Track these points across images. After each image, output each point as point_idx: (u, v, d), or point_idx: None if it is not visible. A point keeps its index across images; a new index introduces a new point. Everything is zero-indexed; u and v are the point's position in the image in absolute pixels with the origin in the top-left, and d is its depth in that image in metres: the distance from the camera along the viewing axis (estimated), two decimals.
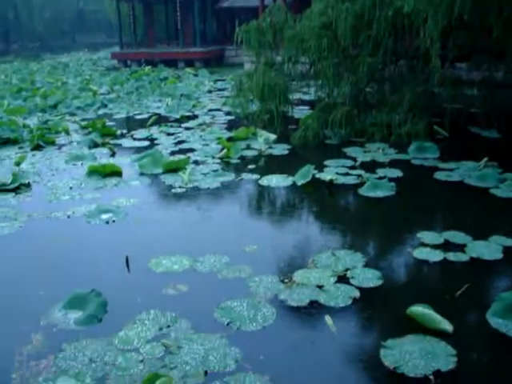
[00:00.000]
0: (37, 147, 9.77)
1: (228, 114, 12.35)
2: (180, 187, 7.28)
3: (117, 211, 6.40)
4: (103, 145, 9.78)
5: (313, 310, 4.27)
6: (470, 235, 5.47)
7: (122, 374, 3.59)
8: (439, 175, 7.44)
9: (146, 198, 7.03)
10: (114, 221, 6.17)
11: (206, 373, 3.58)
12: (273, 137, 9.64)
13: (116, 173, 7.86)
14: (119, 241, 5.72)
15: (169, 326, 4.08)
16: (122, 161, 8.60)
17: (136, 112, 13.29)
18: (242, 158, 8.73)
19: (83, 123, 11.54)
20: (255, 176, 7.66)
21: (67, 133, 10.72)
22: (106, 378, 3.56)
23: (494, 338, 3.93)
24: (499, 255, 5.08)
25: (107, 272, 5.00)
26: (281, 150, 9.13)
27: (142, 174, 7.92)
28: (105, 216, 6.28)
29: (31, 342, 3.92)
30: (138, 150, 9.33)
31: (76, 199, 6.91)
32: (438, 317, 3.99)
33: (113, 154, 9.21)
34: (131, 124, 12.08)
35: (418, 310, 4.04)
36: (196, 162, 8.40)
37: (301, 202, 7.01)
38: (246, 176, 7.69)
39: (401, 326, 4.01)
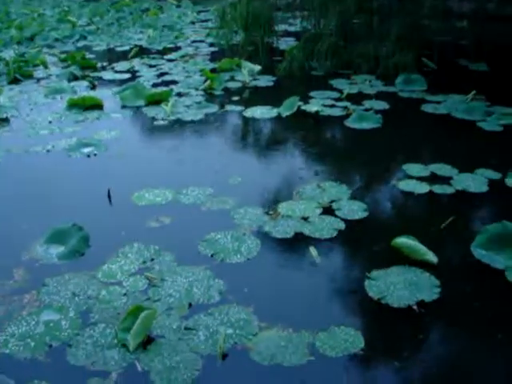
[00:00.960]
0: (14, 81, 9.42)
1: (211, 45, 12.01)
2: (163, 119, 7.12)
3: (98, 144, 6.25)
4: (83, 78, 9.46)
5: (297, 242, 4.24)
6: (456, 168, 5.43)
7: (106, 307, 3.55)
8: (426, 108, 7.33)
9: (128, 131, 6.87)
10: (95, 154, 6.03)
11: (190, 305, 3.56)
12: (257, 68, 9.41)
13: (97, 106, 7.64)
14: (101, 174, 5.59)
15: (152, 259, 4.03)
16: (103, 94, 8.35)
17: (117, 44, 12.87)
18: (226, 89, 8.51)
19: (62, 56, 11.13)
20: (239, 108, 7.50)
21: (45, 66, 10.34)
22: (89, 311, 3.52)
23: (477, 270, 3.93)
24: (485, 188, 5.06)
25: (89, 206, 4.90)
26: (265, 81, 8.92)
27: (123, 107, 7.72)
28: (86, 150, 6.13)
29: (13, 277, 3.85)
30: (120, 82, 9.04)
31: (56, 133, 6.72)
32: (422, 248, 3.98)
33: (93, 87, 8.93)
34: (112, 56, 11.69)
35: (403, 241, 4.01)
36: (179, 94, 8.18)
37: (286, 133, 6.88)
38: (229, 108, 7.53)
39: (386, 258, 3.99)
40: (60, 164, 5.85)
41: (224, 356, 3.13)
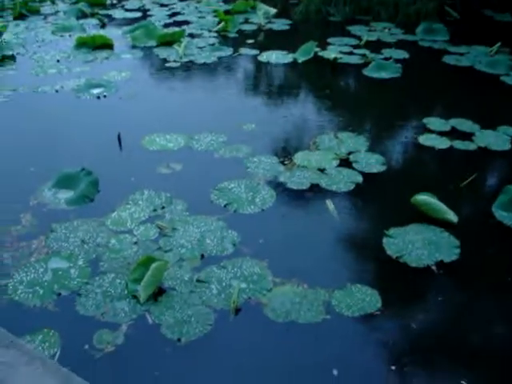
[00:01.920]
0: (20, 16, 9.12)
1: None
2: (175, 61, 6.88)
3: (108, 86, 6.06)
4: (92, 15, 9.16)
5: (313, 194, 4.11)
6: (478, 124, 5.25)
7: (116, 256, 3.45)
8: (448, 59, 7.06)
9: (139, 73, 6.65)
10: (105, 96, 5.85)
11: (202, 256, 3.46)
12: (273, 11, 9.09)
13: (106, 45, 7.39)
14: (111, 117, 5.43)
15: (163, 207, 3.91)
16: (113, 33, 8.07)
17: None
18: (241, 32, 8.22)
19: None
20: (254, 51, 7.25)
21: (52, 1, 10.01)
22: (98, 260, 3.42)
23: (498, 231, 3.81)
24: (507, 146, 4.89)
25: (98, 150, 4.75)
26: (281, 25, 8.60)
27: (134, 47, 7.48)
28: (95, 91, 5.95)
29: (21, 223, 3.74)
30: (130, 21, 8.75)
31: (64, 73, 6.51)
32: (443, 207, 3.85)
33: (103, 26, 8.64)
34: None
35: (423, 198, 3.87)
36: (191, 36, 7.91)
37: (302, 80, 6.66)
38: (244, 51, 7.27)
39: (404, 215, 3.87)
40: (69, 105, 5.67)
41: (237, 311, 3.05)
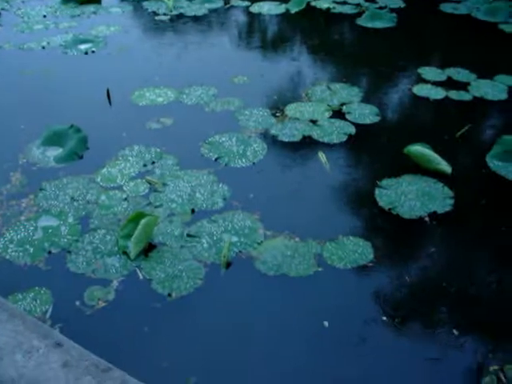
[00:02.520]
0: None
1: None
2: (164, 14, 6.71)
3: (96, 41, 5.92)
4: None
5: (305, 146, 4.06)
6: (474, 73, 5.16)
7: (106, 212, 3.41)
8: (445, 7, 6.91)
9: (128, 27, 6.48)
10: (93, 51, 5.72)
11: (192, 211, 3.42)
12: None
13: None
14: (99, 73, 5.31)
15: (153, 163, 3.86)
16: None
17: None
18: None
19: None
20: (246, 3, 7.08)
21: None
22: (88, 216, 3.38)
23: (492, 182, 3.77)
24: (504, 96, 4.83)
25: (87, 106, 4.65)
26: None
27: (122, 1, 7.28)
28: (83, 46, 5.81)
29: (10, 181, 3.69)
30: None
31: (51, 28, 6.35)
32: (436, 157, 3.79)
33: None
34: None
35: (416, 149, 3.81)
36: None
37: (294, 31, 6.51)
38: (235, 3, 7.10)
39: (397, 166, 3.82)
40: (56, 61, 5.54)
41: (228, 265, 3.03)
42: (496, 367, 2.53)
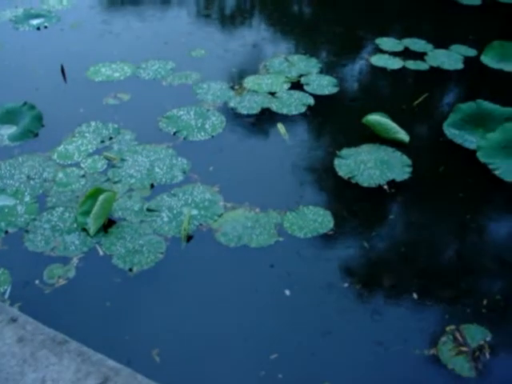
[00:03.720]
0: None
1: None
2: None
3: (48, 16, 5.73)
4: None
5: (264, 118, 4.05)
6: (431, 43, 5.20)
7: (63, 190, 3.35)
8: None
9: (82, 1, 6.30)
10: (45, 27, 5.55)
11: (152, 186, 3.39)
12: None
13: None
14: (53, 49, 5.15)
15: (111, 138, 3.80)
16: None
17: None
18: None
19: None
20: None
21: None
22: (46, 195, 3.32)
23: (449, 150, 3.83)
24: (460, 65, 4.87)
25: (41, 83, 4.52)
26: None
27: None
28: (35, 21, 5.63)
29: None
30: None
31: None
32: (394, 126, 3.83)
33: None
34: None
35: (375, 118, 3.84)
36: None
37: (253, 4, 6.44)
38: None
39: (356, 136, 3.85)
40: (6, 38, 5.34)
41: (189, 238, 3.02)
42: (453, 327, 2.60)
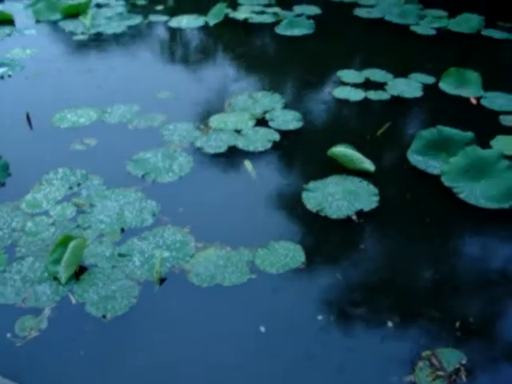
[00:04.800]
0: None
1: None
2: (82, 34, 6.61)
3: (12, 64, 5.75)
4: None
5: (231, 156, 4.09)
6: (390, 73, 5.36)
7: (33, 239, 3.32)
8: (359, 12, 7.13)
9: (45, 48, 6.34)
10: (9, 75, 5.55)
11: (122, 230, 3.38)
12: None
13: (7, 21, 6.98)
14: (17, 97, 5.15)
15: (79, 184, 3.79)
16: (13, 7, 7.63)
17: None
18: None
19: None
20: (164, 18, 7.06)
21: None
22: (15, 245, 3.27)
23: (414, 176, 3.92)
24: (419, 93, 5.03)
25: (7, 132, 4.50)
26: None
27: (38, 22, 7.11)
28: None
29: None
30: None
31: None
32: (359, 156, 3.90)
33: (1, 0, 8.19)
34: None
35: (340, 150, 3.91)
36: (98, 5, 7.59)
37: (215, 43, 6.56)
38: (154, 18, 7.07)
39: (323, 168, 3.91)
40: None
41: (162, 281, 3.01)
42: (428, 352, 2.63)
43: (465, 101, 4.92)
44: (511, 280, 3.08)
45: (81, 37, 6.54)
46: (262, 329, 2.74)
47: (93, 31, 6.65)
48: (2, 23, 6.91)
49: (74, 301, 2.92)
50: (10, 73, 5.60)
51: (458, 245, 3.38)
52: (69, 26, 6.88)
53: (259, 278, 3.02)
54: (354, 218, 3.47)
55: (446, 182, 3.78)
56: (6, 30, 6.77)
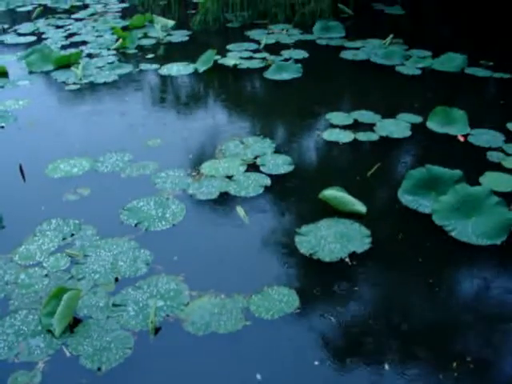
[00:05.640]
0: None
1: (122, 1, 11.44)
2: (74, 84, 6.71)
3: (5, 116, 5.82)
4: None
5: (224, 202, 4.12)
6: (378, 114, 5.44)
7: (26, 291, 3.31)
8: (345, 54, 7.28)
9: (38, 99, 6.42)
10: (2, 127, 5.62)
11: (116, 280, 3.38)
12: (171, 23, 9.04)
13: (0, 73, 7.11)
14: (10, 148, 5.20)
15: (73, 235, 3.80)
16: (7, 59, 7.76)
17: (18, 4, 12.00)
18: (140, 47, 8.12)
19: None
20: (155, 66, 7.19)
21: None
22: (8, 298, 3.26)
23: (405, 215, 3.95)
24: (408, 133, 5.10)
25: None
26: (180, 36, 8.58)
27: (30, 73, 7.22)
28: None
29: None
30: (24, 46, 8.45)
31: None
32: (351, 199, 3.94)
33: None
34: (13, 18, 10.93)
35: (331, 193, 3.95)
36: (90, 56, 7.74)
37: (204, 89, 6.66)
38: (144, 66, 7.19)
39: (314, 212, 3.94)
40: None
41: (157, 330, 3.00)
42: None
43: (452, 138, 5.00)
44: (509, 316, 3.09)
45: (73, 86, 6.63)
46: (259, 376, 2.73)
47: (84, 81, 6.75)
48: None
49: (68, 354, 2.90)
50: (2, 124, 5.67)
51: (452, 284, 3.39)
52: (61, 76, 6.99)
53: (254, 325, 3.01)
54: (347, 260, 3.48)
55: (438, 220, 3.81)
56: (0, 82, 6.87)
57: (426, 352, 2.86)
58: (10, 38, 9.06)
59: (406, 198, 4.07)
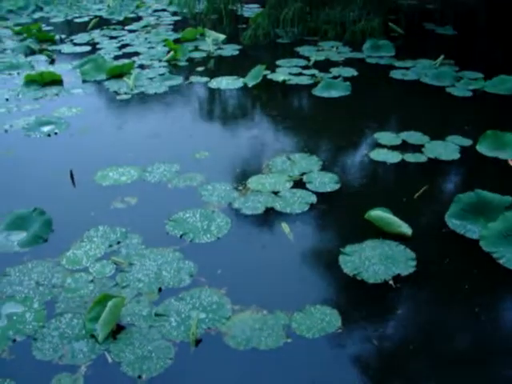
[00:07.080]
0: None
1: (174, 14, 11.70)
2: (125, 93, 6.87)
3: (58, 122, 6.00)
4: (41, 51, 9.11)
5: (269, 218, 4.12)
6: (427, 135, 5.37)
7: (72, 295, 3.38)
8: (395, 74, 7.24)
9: (90, 107, 6.60)
10: (55, 133, 5.79)
11: (160, 290, 3.42)
12: (222, 37, 9.19)
13: (56, 81, 7.34)
14: (62, 154, 5.36)
15: (119, 242, 3.87)
16: (62, 68, 8.04)
17: (75, 15, 12.42)
18: (190, 60, 8.28)
19: (16, 28, 10.69)
20: (204, 79, 7.30)
21: None
22: (54, 301, 3.34)
23: (452, 240, 3.87)
24: (456, 155, 5.01)
25: (50, 188, 4.68)
26: (230, 50, 8.70)
27: (84, 82, 7.44)
28: (46, 128, 5.88)
29: None
30: (79, 55, 8.73)
31: (13, 112, 6.42)
32: (396, 220, 3.90)
33: (52, 62, 8.59)
34: (70, 28, 11.28)
35: (377, 213, 3.92)
36: (141, 66, 7.93)
37: (253, 104, 6.72)
38: (194, 79, 7.32)
39: (359, 232, 3.91)
40: (19, 144, 5.58)
41: (197, 342, 3.02)
42: None
43: (503, 163, 4.90)
44: None
45: (124, 96, 6.78)
46: None
47: (136, 91, 6.90)
48: (52, 84, 7.24)
49: (110, 360, 2.94)
50: (56, 131, 5.83)
51: (499, 314, 3.30)
52: (113, 85, 7.16)
53: (295, 343, 3.00)
54: (391, 282, 3.44)
55: (485, 246, 3.73)
56: (54, 89, 7.09)
57: (467, 378, 2.80)
58: (66, 48, 9.36)
59: (453, 223, 4.00)
